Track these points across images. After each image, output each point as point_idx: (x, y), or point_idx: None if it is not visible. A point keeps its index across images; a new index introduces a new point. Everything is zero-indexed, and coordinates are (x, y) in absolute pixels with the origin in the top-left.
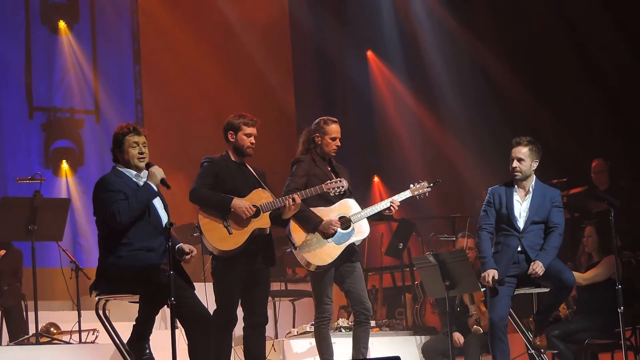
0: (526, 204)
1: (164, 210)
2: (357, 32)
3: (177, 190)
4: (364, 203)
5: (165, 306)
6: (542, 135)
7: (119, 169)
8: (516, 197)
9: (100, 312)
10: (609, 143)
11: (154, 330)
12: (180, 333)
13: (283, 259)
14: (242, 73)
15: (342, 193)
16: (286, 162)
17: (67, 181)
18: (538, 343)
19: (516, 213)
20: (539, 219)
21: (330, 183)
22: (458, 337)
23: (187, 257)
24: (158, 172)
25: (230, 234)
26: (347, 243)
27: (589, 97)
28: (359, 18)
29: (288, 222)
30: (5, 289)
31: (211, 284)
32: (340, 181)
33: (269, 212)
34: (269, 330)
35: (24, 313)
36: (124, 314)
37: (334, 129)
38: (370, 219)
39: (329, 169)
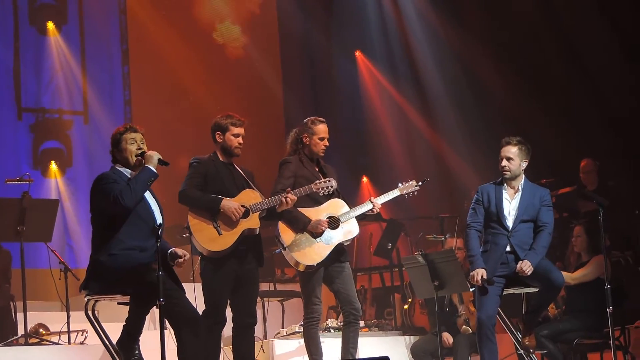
0: (515, 202)
1: (159, 213)
2: (345, 32)
3: (165, 191)
4: (352, 203)
5: (155, 307)
6: (531, 135)
7: (118, 168)
8: (505, 195)
9: (90, 312)
10: (597, 143)
11: (143, 330)
12: (170, 334)
13: (272, 259)
14: (230, 74)
15: (330, 193)
16: (274, 163)
17: (56, 182)
18: (527, 343)
19: (505, 211)
20: (528, 217)
21: (319, 183)
22: (447, 337)
23: (180, 260)
24: (154, 154)
25: (219, 234)
26: (336, 243)
27: (578, 97)
28: (347, 18)
29: (280, 217)
30: None
31: (200, 284)
32: (329, 181)
33: (258, 212)
34: (258, 330)
35: (13, 314)
36: (113, 315)
37: (322, 129)
38: (358, 218)
39: (317, 169)
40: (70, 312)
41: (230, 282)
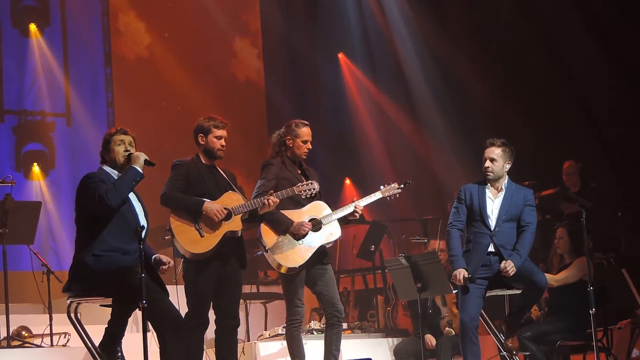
0: (498, 201)
1: (144, 217)
2: (328, 34)
3: (148, 193)
4: (335, 205)
5: (137, 309)
6: (514, 137)
7: (105, 169)
8: (488, 194)
9: (72, 315)
10: (580, 145)
11: (126, 333)
12: (152, 336)
13: (255, 261)
14: (213, 76)
15: (313, 195)
16: (257, 165)
17: (38, 184)
18: (510, 345)
19: (488, 210)
20: (511, 217)
21: (301, 185)
22: (430, 339)
23: (165, 267)
24: (140, 154)
25: (202, 236)
26: (318, 245)
27: (561, 99)
28: (330, 20)
29: (263, 219)
30: None
31: (183, 286)
32: (311, 183)
33: (240, 214)
34: (241, 332)
35: None
36: (96, 317)
37: (305, 132)
38: (340, 221)
39: (299, 171)
40: (53, 315)
41: (213, 284)
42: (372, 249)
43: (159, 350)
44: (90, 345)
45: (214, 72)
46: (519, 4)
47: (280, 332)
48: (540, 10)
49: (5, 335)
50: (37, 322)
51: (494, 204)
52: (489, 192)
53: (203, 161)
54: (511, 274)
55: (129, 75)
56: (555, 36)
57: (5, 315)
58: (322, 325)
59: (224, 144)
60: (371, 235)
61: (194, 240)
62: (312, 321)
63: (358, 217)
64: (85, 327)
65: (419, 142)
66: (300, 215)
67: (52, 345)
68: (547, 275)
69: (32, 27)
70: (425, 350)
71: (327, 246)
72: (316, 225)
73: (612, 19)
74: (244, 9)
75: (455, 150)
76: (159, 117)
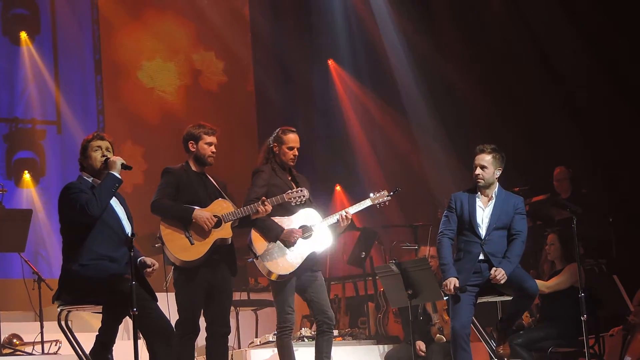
0: (488, 210)
1: (128, 221)
2: (317, 41)
3: (137, 201)
4: (326, 212)
5: (128, 317)
6: (504, 143)
7: (84, 177)
8: (479, 203)
9: (63, 323)
10: (570, 150)
11: (116, 340)
12: (143, 344)
13: (245, 268)
14: (202, 83)
15: (303, 202)
16: (247, 172)
17: (29, 192)
18: (501, 352)
19: (478, 219)
20: (501, 225)
21: (291, 192)
22: (421, 346)
23: (149, 270)
24: (117, 159)
25: (192, 244)
26: (309, 252)
27: (552, 105)
28: (319, 27)
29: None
30: None
31: (173, 294)
32: (301, 190)
33: (231, 222)
34: (232, 340)
35: None
36: (86, 325)
37: (292, 138)
38: (333, 234)
39: (289, 178)
40: (44, 322)
41: (204, 291)
42: (363, 256)
43: (149, 358)
44: (81, 353)
45: (204, 79)
46: (509, 9)
47: (271, 339)
48: (533, 18)
49: None
50: (28, 330)
51: (484, 212)
52: (479, 200)
53: (193, 168)
54: (502, 282)
55: (119, 83)
56: (547, 43)
57: None
58: (312, 332)
59: (214, 150)
60: (362, 242)
61: (184, 248)
62: (303, 328)
63: (348, 223)
64: (76, 334)
65: (409, 148)
66: (290, 222)
67: (43, 353)
68: (538, 281)
69: (23, 35)
70: (416, 357)
71: (317, 253)
72: (307, 232)
73: (601, 23)
74: (233, 14)
75: (445, 157)
76: (149, 125)
